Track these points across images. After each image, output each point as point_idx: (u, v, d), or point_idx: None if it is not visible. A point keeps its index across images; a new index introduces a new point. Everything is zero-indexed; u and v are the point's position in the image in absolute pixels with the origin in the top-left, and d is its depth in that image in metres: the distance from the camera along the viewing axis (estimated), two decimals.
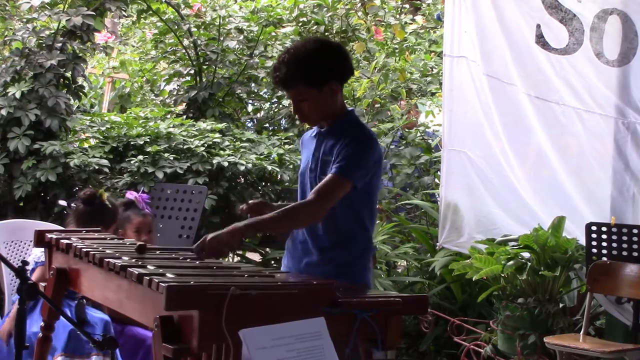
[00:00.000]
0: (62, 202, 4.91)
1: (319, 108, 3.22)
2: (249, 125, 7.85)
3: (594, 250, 4.73)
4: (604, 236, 4.70)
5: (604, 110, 5.02)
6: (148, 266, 2.72)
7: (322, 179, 3.19)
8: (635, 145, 4.91)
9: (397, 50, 7.16)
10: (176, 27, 7.17)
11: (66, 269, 3.34)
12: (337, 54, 3.27)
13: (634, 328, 4.59)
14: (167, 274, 2.54)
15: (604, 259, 4.70)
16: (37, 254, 4.18)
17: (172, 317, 2.40)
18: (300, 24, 7.46)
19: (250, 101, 7.86)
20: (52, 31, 6.13)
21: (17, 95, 5.84)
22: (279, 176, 6.31)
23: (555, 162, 5.21)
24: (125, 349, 4.13)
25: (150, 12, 7.12)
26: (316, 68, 3.17)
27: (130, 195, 4.64)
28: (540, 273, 4.73)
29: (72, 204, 4.47)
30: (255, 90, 7.54)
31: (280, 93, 7.38)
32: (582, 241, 4.80)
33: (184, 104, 7.28)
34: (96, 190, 4.45)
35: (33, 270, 4.17)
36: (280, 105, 7.64)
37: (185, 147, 6.10)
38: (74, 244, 3.24)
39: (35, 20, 6.27)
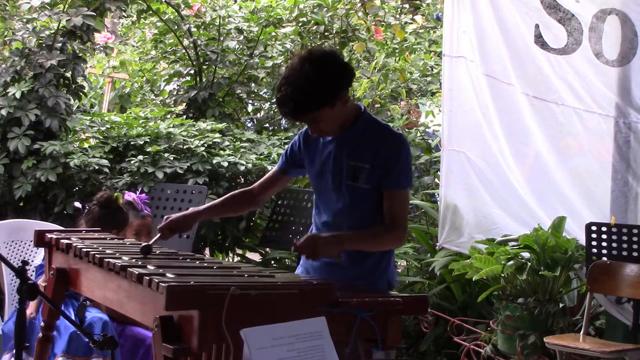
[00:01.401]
0: (77, 204, 4.90)
1: (337, 120, 3.17)
2: (249, 125, 7.86)
3: (594, 250, 4.73)
4: (604, 236, 4.70)
5: (604, 110, 5.02)
6: (148, 266, 2.72)
7: (353, 185, 3.18)
8: (636, 145, 4.91)
9: (397, 50, 7.17)
10: (176, 27, 7.17)
11: (66, 269, 3.34)
12: (335, 65, 3.14)
13: (634, 328, 4.59)
14: (167, 274, 2.54)
15: (604, 259, 4.70)
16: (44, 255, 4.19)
17: (172, 317, 2.40)
18: (300, 24, 7.47)
19: (250, 101, 7.87)
20: (52, 31, 6.13)
21: (17, 95, 5.85)
22: None
23: (554, 162, 5.21)
24: (125, 348, 4.13)
25: (150, 12, 7.13)
26: (324, 90, 3.07)
27: (128, 196, 4.63)
28: (540, 273, 4.73)
29: (87, 206, 4.46)
30: (255, 90, 7.55)
31: None
32: (582, 241, 4.80)
33: (184, 104, 7.28)
34: (112, 194, 4.45)
35: (42, 266, 4.16)
36: None
37: (185, 147, 6.10)
38: (74, 244, 3.24)
39: (35, 20, 6.27)
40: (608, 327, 4.95)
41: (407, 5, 8.26)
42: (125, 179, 5.82)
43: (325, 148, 3.28)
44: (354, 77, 3.29)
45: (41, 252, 4.29)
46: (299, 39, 7.53)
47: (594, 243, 4.73)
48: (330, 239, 3.14)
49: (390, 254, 3.33)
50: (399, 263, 6.39)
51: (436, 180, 6.32)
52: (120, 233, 4.15)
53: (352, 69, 3.26)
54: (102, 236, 3.64)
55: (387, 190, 3.17)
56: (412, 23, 7.82)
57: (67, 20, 6.00)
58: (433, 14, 8.00)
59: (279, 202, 6.01)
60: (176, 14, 7.15)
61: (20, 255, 4.74)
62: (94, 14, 6.11)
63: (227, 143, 6.24)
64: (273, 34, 7.41)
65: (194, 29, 7.10)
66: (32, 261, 4.44)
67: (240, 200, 3.52)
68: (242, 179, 6.32)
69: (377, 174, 3.16)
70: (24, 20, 6.38)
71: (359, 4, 7.26)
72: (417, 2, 8.39)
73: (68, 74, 6.11)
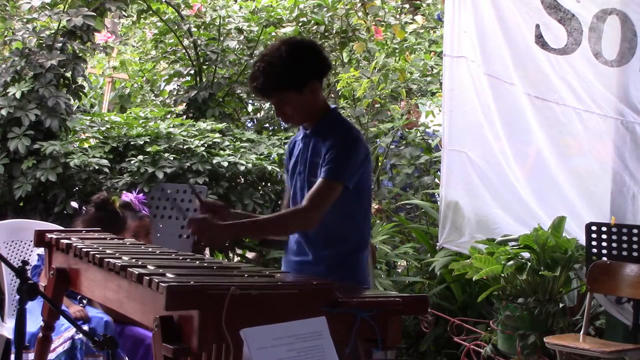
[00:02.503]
0: (74, 204, 4.90)
1: (302, 109, 3.23)
2: (249, 125, 7.85)
3: (594, 250, 4.73)
4: (604, 236, 4.71)
5: (603, 110, 5.02)
6: (148, 266, 2.72)
7: (313, 181, 3.20)
8: (634, 146, 4.91)
9: (397, 50, 7.16)
10: (176, 27, 7.17)
11: (66, 269, 3.34)
12: (310, 53, 3.24)
13: (634, 328, 4.59)
14: (167, 274, 2.54)
15: (604, 259, 4.70)
16: (40, 252, 4.19)
17: (172, 317, 2.40)
18: (300, 24, 7.46)
19: (250, 101, 7.86)
20: (52, 31, 6.13)
21: (17, 95, 5.84)
22: (279, 176, 6.32)
23: (555, 161, 5.21)
24: (125, 349, 4.14)
25: (150, 12, 7.12)
26: (293, 71, 3.16)
27: (126, 197, 4.62)
28: (540, 273, 4.73)
29: (84, 207, 4.46)
30: None
31: None
32: (582, 241, 4.80)
33: (184, 104, 7.28)
34: (109, 196, 4.45)
35: (38, 267, 4.17)
36: None
37: (185, 147, 6.10)
38: (74, 244, 3.24)
39: (35, 20, 6.27)
40: (608, 327, 4.95)
41: (407, 5, 8.24)
42: (125, 179, 5.82)
43: (297, 148, 3.35)
44: (328, 70, 3.36)
45: (35, 253, 4.30)
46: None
47: (594, 243, 4.73)
48: (222, 227, 3.10)
49: (360, 250, 3.29)
50: (399, 263, 6.40)
51: (436, 180, 6.33)
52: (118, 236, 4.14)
53: (329, 63, 3.34)
54: (102, 236, 3.64)
55: (319, 176, 3.15)
56: (412, 23, 7.81)
57: (67, 20, 6.00)
58: (433, 14, 7.99)
59: (279, 202, 6.01)
60: (176, 14, 7.15)
61: (20, 255, 4.74)
62: (94, 14, 6.11)
63: (227, 143, 6.24)
64: (273, 34, 7.40)
65: (194, 29, 7.10)
66: (32, 262, 4.44)
67: None
68: (242, 179, 6.32)
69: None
70: (24, 20, 6.38)
71: (359, 4, 7.25)
72: (417, 2, 8.38)
73: (68, 74, 6.11)
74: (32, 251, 4.74)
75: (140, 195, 4.77)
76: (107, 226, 4.14)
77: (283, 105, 3.23)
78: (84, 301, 4.18)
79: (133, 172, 5.84)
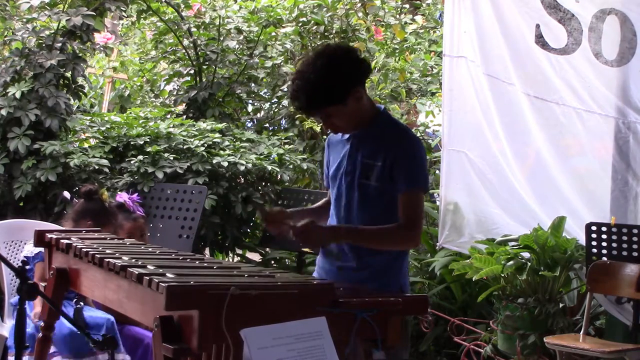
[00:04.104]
0: (66, 194, 4.90)
1: (351, 119, 3.14)
2: (249, 125, 7.86)
3: (594, 250, 4.73)
4: (604, 236, 4.71)
5: (603, 110, 5.03)
6: (148, 266, 2.72)
7: (364, 183, 3.17)
8: (636, 145, 4.91)
9: (397, 50, 7.17)
10: (176, 27, 7.17)
11: (66, 269, 3.34)
12: (346, 62, 3.12)
13: (634, 328, 4.59)
14: (167, 274, 2.54)
15: (604, 259, 4.70)
16: (28, 250, 4.19)
17: (172, 317, 2.40)
18: (300, 24, 7.47)
19: (250, 101, 7.87)
20: (52, 31, 6.13)
21: (17, 95, 5.84)
22: (279, 176, 6.32)
23: (555, 161, 5.21)
24: (125, 348, 4.13)
25: (150, 12, 7.12)
26: (332, 86, 3.06)
27: (120, 198, 4.62)
28: (540, 273, 4.73)
29: (75, 199, 4.47)
30: (255, 90, 7.55)
31: (280, 93, 7.39)
32: (582, 241, 4.80)
33: (184, 104, 7.28)
34: (97, 187, 4.44)
35: (31, 270, 4.16)
36: (280, 105, 7.64)
37: (185, 147, 6.10)
38: (74, 244, 3.24)
39: (35, 20, 6.26)
40: (608, 327, 4.95)
41: (407, 5, 8.25)
42: (125, 179, 5.82)
43: (343, 147, 3.27)
44: (369, 73, 3.26)
45: (25, 251, 4.29)
46: (299, 39, 7.53)
47: (594, 243, 4.73)
48: (326, 229, 3.16)
49: (403, 257, 3.27)
50: None
51: (436, 180, 6.32)
52: (104, 230, 4.11)
53: (368, 66, 3.23)
54: (102, 236, 3.64)
55: (400, 192, 3.12)
56: (412, 23, 7.81)
57: (67, 20, 6.00)
58: (433, 14, 8.00)
59: (279, 202, 6.02)
60: (176, 14, 7.15)
61: (20, 256, 4.73)
62: (94, 14, 6.10)
63: (227, 143, 6.24)
64: (273, 34, 7.41)
65: (194, 29, 7.10)
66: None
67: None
68: (242, 179, 6.32)
69: (387, 173, 3.13)
70: (24, 20, 6.37)
71: (359, 4, 7.26)
72: (417, 2, 8.39)
73: (68, 74, 6.10)
74: (24, 249, 4.73)
75: (135, 195, 4.76)
76: (96, 216, 4.12)
77: (330, 119, 3.14)
78: (81, 303, 4.17)
79: (133, 172, 5.84)
